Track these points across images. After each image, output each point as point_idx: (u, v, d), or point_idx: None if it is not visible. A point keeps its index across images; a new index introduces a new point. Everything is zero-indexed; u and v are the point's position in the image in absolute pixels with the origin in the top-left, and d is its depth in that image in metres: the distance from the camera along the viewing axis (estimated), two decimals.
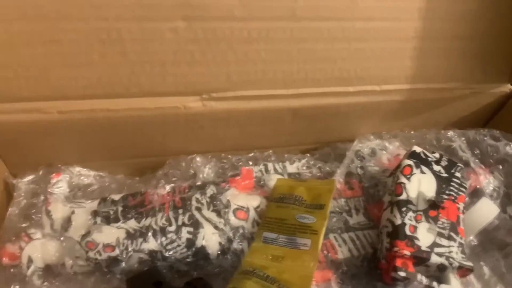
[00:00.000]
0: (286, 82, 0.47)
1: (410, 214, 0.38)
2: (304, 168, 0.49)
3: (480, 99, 0.55)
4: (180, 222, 0.41)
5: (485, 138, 0.49)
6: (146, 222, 0.40)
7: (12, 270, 0.38)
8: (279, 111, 0.48)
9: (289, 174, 0.48)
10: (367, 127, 0.53)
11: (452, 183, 0.41)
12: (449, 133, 0.50)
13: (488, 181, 0.47)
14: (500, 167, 0.48)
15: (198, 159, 0.49)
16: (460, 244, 0.38)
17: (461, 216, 0.40)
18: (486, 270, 0.42)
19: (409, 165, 0.41)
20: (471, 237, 0.43)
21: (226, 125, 0.48)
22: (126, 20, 0.39)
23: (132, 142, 0.47)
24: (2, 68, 0.38)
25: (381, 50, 0.48)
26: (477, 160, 0.48)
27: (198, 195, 0.43)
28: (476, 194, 0.47)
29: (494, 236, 0.46)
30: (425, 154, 0.43)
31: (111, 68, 0.41)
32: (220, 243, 0.40)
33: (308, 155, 0.52)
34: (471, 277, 0.41)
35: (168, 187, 0.44)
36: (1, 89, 0.39)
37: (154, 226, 0.40)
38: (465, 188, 0.42)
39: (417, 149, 0.43)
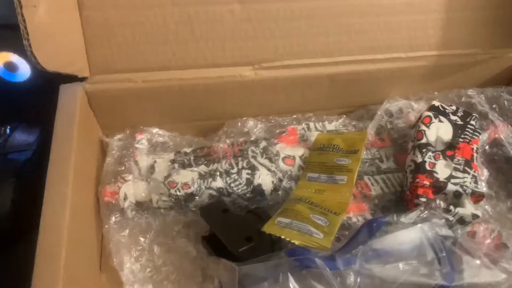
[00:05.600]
0: (324, 52, 0.55)
1: (430, 154, 0.46)
2: (341, 126, 0.58)
3: (500, 63, 0.61)
4: (240, 166, 0.50)
5: (502, 94, 0.56)
6: (213, 166, 0.50)
7: (113, 202, 0.49)
8: (318, 78, 0.57)
9: (328, 131, 0.57)
10: (396, 91, 0.61)
11: (467, 129, 0.49)
12: (469, 91, 0.56)
13: (507, 131, 0.54)
14: None
15: (250, 121, 0.59)
16: (473, 177, 0.45)
17: (475, 155, 0.47)
18: None
19: (429, 116, 0.49)
20: None
21: (273, 91, 0.57)
22: (194, 5, 0.49)
23: (198, 106, 0.57)
24: (101, 46, 0.49)
25: (406, 22, 0.56)
26: (495, 114, 0.55)
27: (253, 147, 0.53)
28: (495, 144, 0.54)
29: None
30: (443, 107, 0.50)
31: (183, 44, 0.51)
32: (272, 182, 0.50)
33: (344, 116, 0.60)
34: None
35: (228, 141, 0.54)
36: (100, 63, 0.50)
37: (220, 169, 0.50)
38: (479, 133, 0.49)
39: (436, 103, 0.50)
